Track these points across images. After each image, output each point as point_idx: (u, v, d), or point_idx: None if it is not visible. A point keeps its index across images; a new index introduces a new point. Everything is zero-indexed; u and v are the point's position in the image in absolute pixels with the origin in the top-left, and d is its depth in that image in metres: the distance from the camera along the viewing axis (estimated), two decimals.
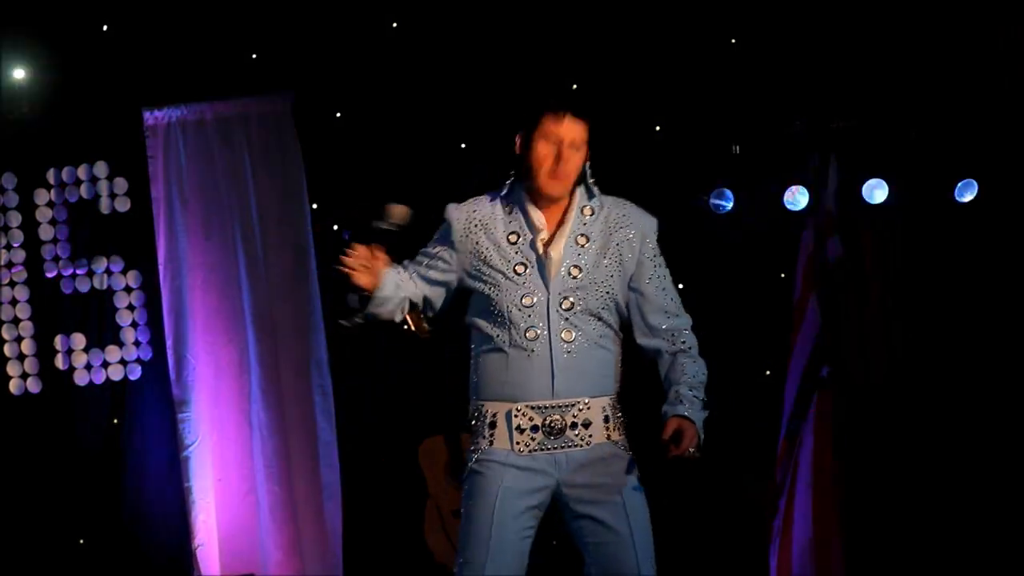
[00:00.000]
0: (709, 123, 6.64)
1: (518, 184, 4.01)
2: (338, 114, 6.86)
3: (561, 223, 3.97)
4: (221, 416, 6.81)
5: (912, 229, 6.55)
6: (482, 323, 3.96)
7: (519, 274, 3.92)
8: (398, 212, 3.86)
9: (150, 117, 6.82)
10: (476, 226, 3.97)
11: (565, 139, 3.91)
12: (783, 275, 6.70)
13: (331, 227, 6.86)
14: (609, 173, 6.64)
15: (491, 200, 4.02)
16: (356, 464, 6.81)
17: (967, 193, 6.45)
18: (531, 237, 3.95)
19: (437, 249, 4.01)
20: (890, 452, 6.52)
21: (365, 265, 3.86)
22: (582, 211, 3.99)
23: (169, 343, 6.76)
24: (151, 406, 6.84)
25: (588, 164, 3.99)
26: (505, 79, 6.62)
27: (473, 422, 3.99)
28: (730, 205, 6.61)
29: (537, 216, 3.96)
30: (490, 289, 3.94)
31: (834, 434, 6.28)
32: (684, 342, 4.02)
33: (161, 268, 6.80)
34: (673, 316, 4.03)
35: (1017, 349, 6.44)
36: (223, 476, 6.80)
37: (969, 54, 6.42)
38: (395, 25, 6.77)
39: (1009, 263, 6.44)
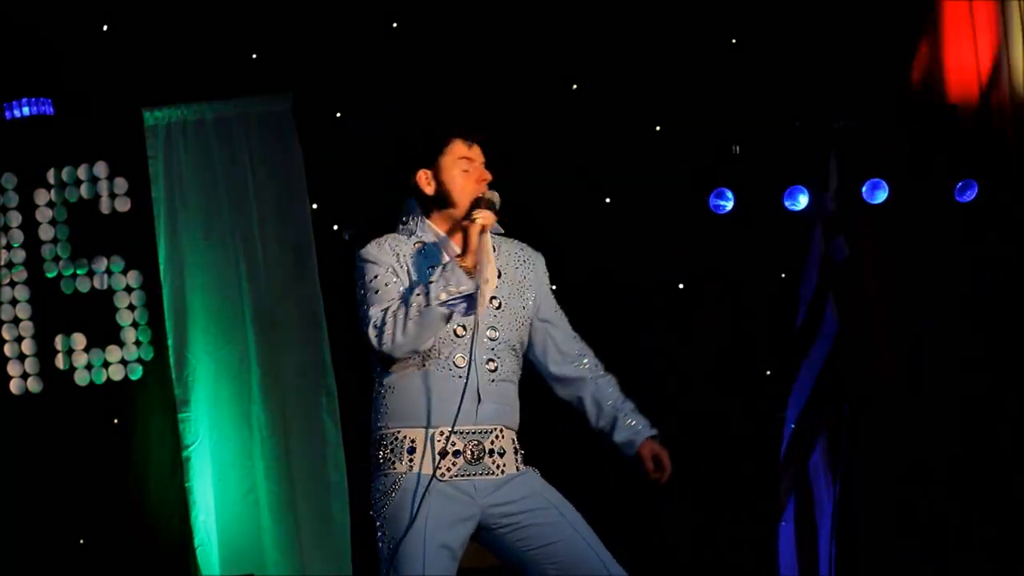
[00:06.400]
0: (709, 123, 6.64)
1: (420, 219, 3.97)
2: (338, 114, 6.86)
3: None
4: (221, 416, 6.81)
5: (912, 229, 6.55)
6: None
7: None
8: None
9: (150, 117, 6.82)
10: (402, 258, 3.91)
11: (478, 160, 3.94)
12: (783, 275, 6.71)
13: (331, 227, 6.86)
14: (610, 173, 6.73)
15: (399, 237, 3.96)
16: (361, 464, 6.80)
17: (967, 193, 6.45)
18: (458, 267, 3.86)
19: (387, 280, 3.88)
20: (892, 452, 6.53)
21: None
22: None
23: (170, 343, 6.77)
24: (151, 406, 6.83)
25: None
26: (505, 79, 6.63)
27: (383, 451, 3.89)
28: (730, 205, 6.61)
29: (455, 246, 3.92)
30: None
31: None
32: (598, 365, 4.11)
33: (161, 268, 6.80)
34: (579, 340, 4.11)
35: (1017, 349, 6.44)
36: (223, 476, 6.80)
37: (968, 53, 6.44)
38: (395, 25, 6.77)
39: (1009, 263, 6.45)
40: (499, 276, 3.97)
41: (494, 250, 3.98)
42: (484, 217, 3.81)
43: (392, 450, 3.87)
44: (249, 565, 6.75)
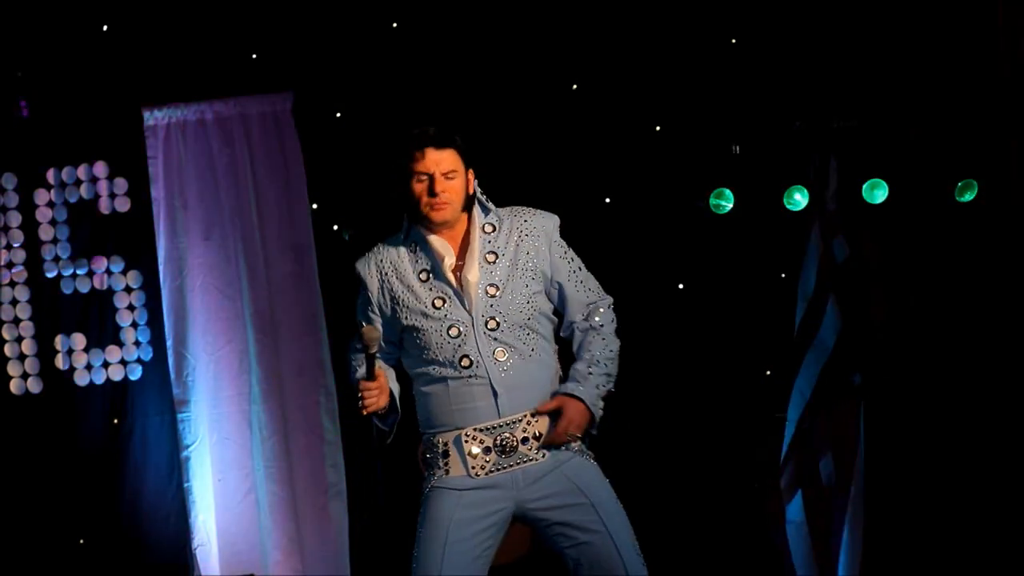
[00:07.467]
0: (709, 123, 6.64)
1: (414, 225, 4.06)
2: (338, 114, 6.86)
3: (466, 247, 4.03)
4: (221, 416, 6.81)
5: (912, 229, 6.55)
6: (417, 361, 4.02)
7: (439, 308, 3.97)
8: (369, 335, 3.89)
9: (150, 117, 6.82)
10: (387, 273, 4.04)
11: (435, 170, 3.96)
12: (783, 275, 6.70)
13: (331, 227, 6.86)
14: (610, 173, 6.74)
15: (393, 244, 4.08)
16: (360, 463, 6.80)
17: (966, 193, 6.45)
18: (440, 268, 3.99)
19: (369, 310, 4.07)
20: (892, 451, 6.53)
21: (377, 392, 3.93)
22: (483, 229, 4.05)
23: (169, 343, 6.77)
24: (151, 406, 6.84)
25: (476, 182, 4.07)
26: (505, 79, 6.63)
27: (428, 455, 4.03)
28: (730, 205, 6.61)
29: (440, 244, 4.01)
30: (416, 330, 3.99)
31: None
32: (597, 320, 4.08)
33: (161, 268, 6.80)
34: (590, 304, 4.11)
35: (1017, 349, 6.44)
36: (223, 476, 6.80)
37: (969, 53, 6.43)
38: (395, 25, 6.78)
39: (1009, 263, 6.44)
40: (495, 259, 4.01)
41: (494, 229, 4.05)
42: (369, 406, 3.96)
43: (433, 454, 4.00)
44: (249, 565, 6.75)
